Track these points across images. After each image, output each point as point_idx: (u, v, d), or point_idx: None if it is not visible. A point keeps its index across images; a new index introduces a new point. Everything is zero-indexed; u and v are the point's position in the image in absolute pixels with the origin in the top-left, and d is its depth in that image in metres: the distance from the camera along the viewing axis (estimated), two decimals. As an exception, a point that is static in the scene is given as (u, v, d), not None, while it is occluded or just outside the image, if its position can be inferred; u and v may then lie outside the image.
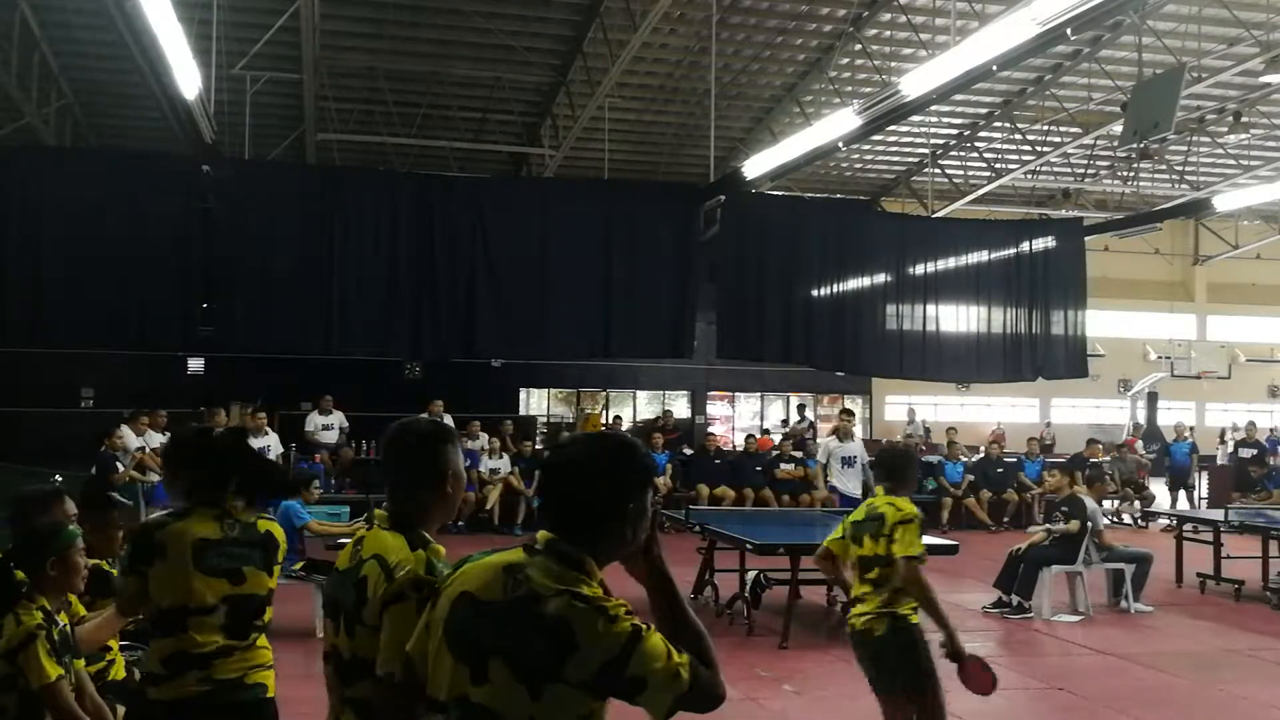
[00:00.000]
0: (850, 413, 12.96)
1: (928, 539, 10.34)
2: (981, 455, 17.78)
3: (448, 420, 15.69)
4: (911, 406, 25.60)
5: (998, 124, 20.29)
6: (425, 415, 11.75)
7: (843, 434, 12.04)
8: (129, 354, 16.63)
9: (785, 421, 23.65)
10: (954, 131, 21.13)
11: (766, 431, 22.51)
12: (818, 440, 18.41)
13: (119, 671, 4.40)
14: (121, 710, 3.96)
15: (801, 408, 23.00)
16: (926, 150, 21.25)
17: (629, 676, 2.06)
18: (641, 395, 25.62)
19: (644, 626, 2.12)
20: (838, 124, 12.97)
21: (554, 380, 24.22)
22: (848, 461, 11.63)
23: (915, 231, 18.08)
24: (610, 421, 20.86)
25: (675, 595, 2.30)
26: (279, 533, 3.48)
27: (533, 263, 14.95)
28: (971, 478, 16.66)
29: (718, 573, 9.69)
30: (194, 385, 18.61)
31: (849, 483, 11.64)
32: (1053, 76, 18.17)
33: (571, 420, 23.52)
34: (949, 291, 17.47)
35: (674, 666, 2.10)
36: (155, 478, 11.90)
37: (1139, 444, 19.62)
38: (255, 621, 3.39)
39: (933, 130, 20.58)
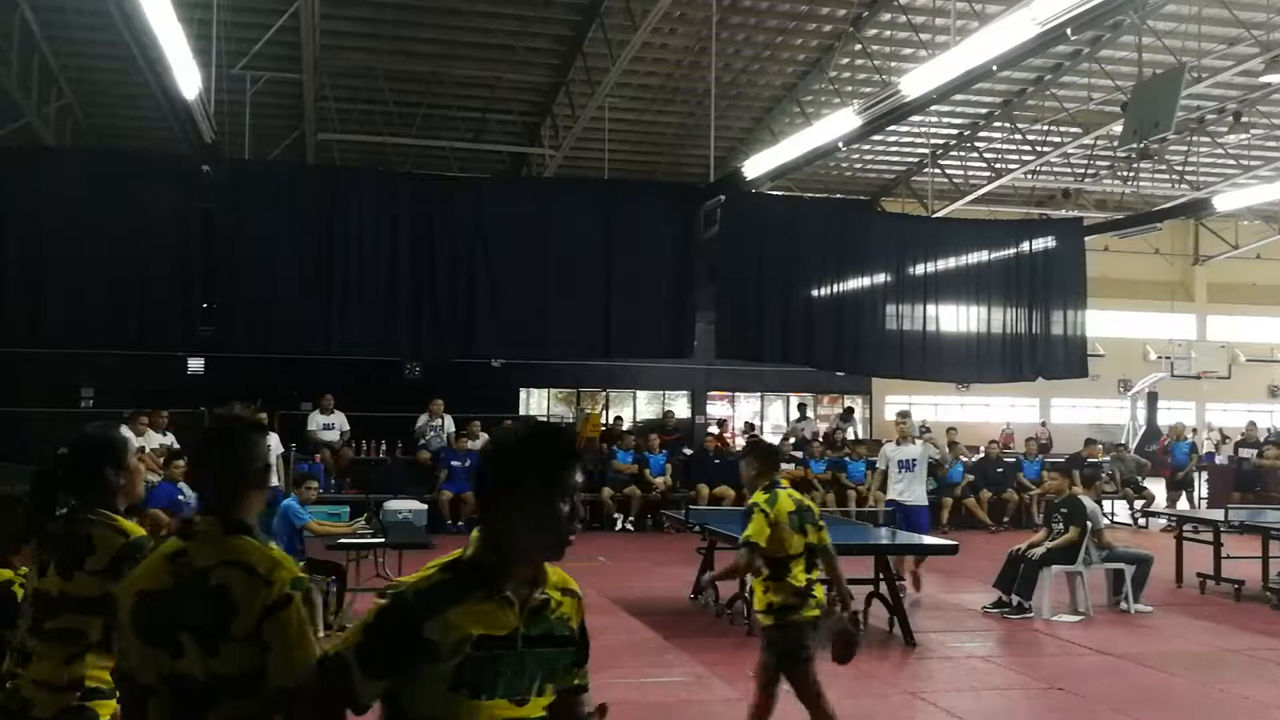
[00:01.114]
0: (907, 414, 12.17)
1: (929, 539, 10.38)
2: (981, 455, 17.77)
3: (448, 421, 15.76)
4: (908, 409, 25.59)
5: (998, 124, 20.30)
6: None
7: (901, 437, 11.39)
8: (129, 354, 16.62)
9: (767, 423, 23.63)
10: (954, 131, 21.14)
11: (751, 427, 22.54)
12: (818, 439, 18.42)
13: None
14: None
15: (802, 407, 22.97)
16: (926, 150, 21.26)
17: (264, 638, 2.29)
18: (641, 395, 25.61)
19: (294, 595, 2.32)
20: (838, 124, 12.97)
21: (554, 380, 24.21)
22: (905, 465, 10.85)
23: (915, 231, 18.08)
24: (611, 421, 20.84)
25: None
26: (102, 539, 3.31)
27: (533, 263, 14.95)
28: (971, 478, 16.65)
29: (718, 573, 9.69)
30: (194, 385, 18.60)
31: (906, 488, 10.83)
32: (1053, 76, 18.18)
33: (572, 420, 23.52)
34: (949, 291, 17.46)
35: (308, 649, 2.29)
36: (155, 478, 11.88)
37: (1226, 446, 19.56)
38: (43, 622, 3.29)
39: (933, 130, 20.58)
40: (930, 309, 17.29)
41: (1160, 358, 26.13)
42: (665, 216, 15.63)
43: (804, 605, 5.00)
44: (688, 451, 17.81)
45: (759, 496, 5.12)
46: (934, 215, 21.47)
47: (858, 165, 23.20)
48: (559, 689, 2.23)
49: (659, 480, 15.84)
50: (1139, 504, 17.18)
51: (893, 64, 15.84)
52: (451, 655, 2.05)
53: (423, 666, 2.05)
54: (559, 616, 2.22)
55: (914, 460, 10.87)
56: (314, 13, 13.72)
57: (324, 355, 15.77)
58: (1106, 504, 15.39)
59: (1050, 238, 18.20)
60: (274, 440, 12.96)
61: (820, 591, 5.09)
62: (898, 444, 11.15)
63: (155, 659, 2.35)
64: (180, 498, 10.30)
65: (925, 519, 10.69)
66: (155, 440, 13.04)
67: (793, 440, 18.62)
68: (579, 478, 2.18)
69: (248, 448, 2.55)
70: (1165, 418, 24.05)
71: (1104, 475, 14.47)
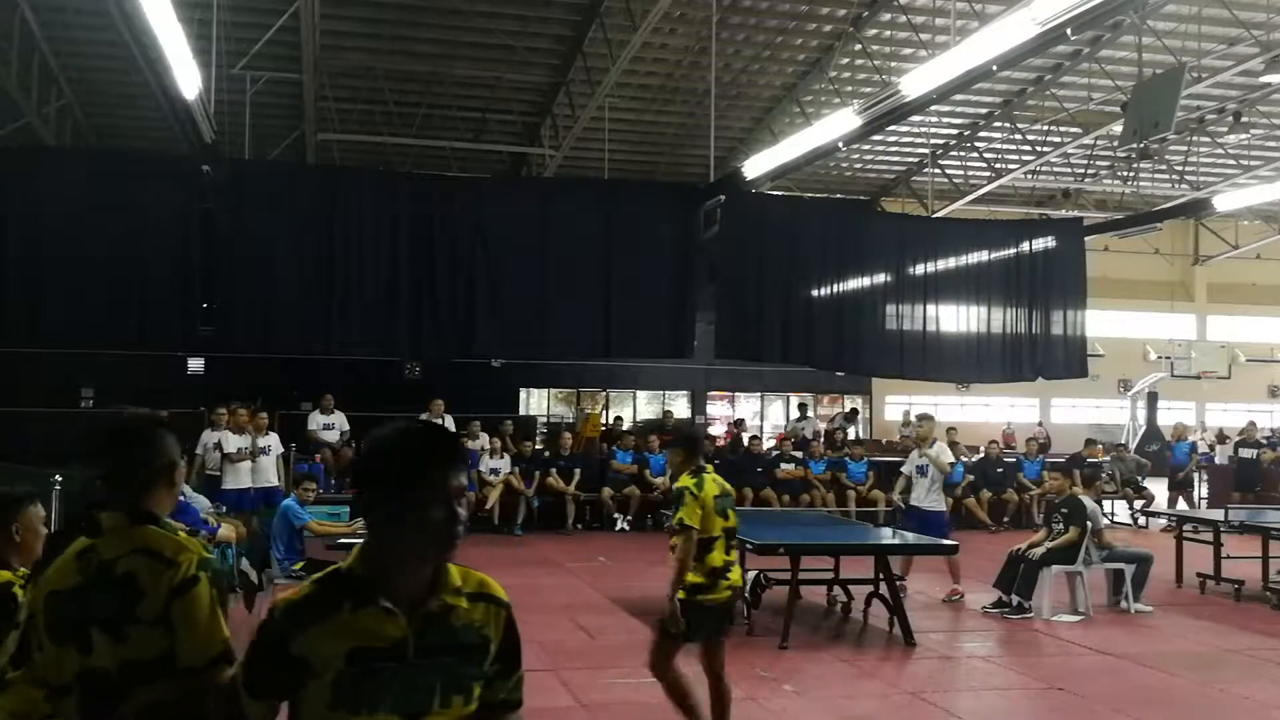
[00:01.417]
0: (925, 417, 11.63)
1: (929, 539, 10.33)
2: (981, 455, 17.77)
3: (448, 421, 15.74)
4: (908, 409, 25.60)
5: (998, 124, 20.31)
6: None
7: (920, 441, 10.82)
8: (129, 354, 16.64)
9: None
10: (954, 131, 21.14)
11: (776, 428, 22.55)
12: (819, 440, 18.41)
13: None
14: None
15: (803, 407, 22.92)
16: (926, 150, 21.27)
17: (171, 619, 2.32)
18: (641, 395, 25.63)
19: (201, 576, 2.36)
20: (838, 124, 12.96)
21: (554, 380, 24.25)
22: (921, 470, 10.62)
23: (915, 231, 18.08)
24: (611, 421, 20.85)
25: None
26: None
27: (533, 263, 14.95)
28: (971, 478, 16.64)
29: (718, 573, 9.66)
30: (194, 385, 18.61)
31: (922, 493, 10.56)
32: (1053, 76, 18.18)
33: (572, 420, 23.53)
34: (949, 291, 17.46)
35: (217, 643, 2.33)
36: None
37: (1199, 442, 19.60)
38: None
39: (933, 130, 20.59)
40: (930, 309, 17.28)
41: (1160, 358, 26.14)
42: (665, 216, 15.62)
43: (715, 587, 5.30)
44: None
45: (687, 480, 5.37)
46: (934, 215, 21.48)
47: (858, 165, 23.21)
48: (486, 702, 2.10)
49: (659, 480, 15.83)
50: (1139, 504, 17.17)
51: (893, 64, 15.85)
52: (325, 671, 1.95)
53: (302, 685, 1.97)
54: (466, 624, 2.06)
55: (927, 465, 10.64)
56: (314, 13, 13.72)
57: (324, 355, 15.76)
58: (1106, 504, 15.38)
59: (1050, 238, 18.20)
60: (274, 440, 12.99)
61: (736, 573, 5.45)
62: (919, 450, 10.93)
63: (66, 658, 2.35)
64: (180, 498, 10.27)
65: (940, 524, 10.55)
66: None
67: (792, 441, 18.59)
68: (460, 480, 2.02)
69: (153, 444, 2.54)
70: (1165, 418, 24.05)
71: (1104, 475, 14.45)
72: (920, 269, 17.30)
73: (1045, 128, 19.96)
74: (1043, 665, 8.04)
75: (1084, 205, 23.64)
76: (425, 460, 2.01)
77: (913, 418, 24.77)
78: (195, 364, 19.38)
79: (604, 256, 15.20)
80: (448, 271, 14.72)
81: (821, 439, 18.36)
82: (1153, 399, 25.41)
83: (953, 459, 11.14)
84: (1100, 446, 18.14)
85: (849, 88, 17.55)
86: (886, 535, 9.93)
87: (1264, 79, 16.67)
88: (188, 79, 10.52)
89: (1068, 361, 17.95)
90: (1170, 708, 6.96)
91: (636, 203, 15.90)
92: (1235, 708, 6.92)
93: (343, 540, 8.84)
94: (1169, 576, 11.16)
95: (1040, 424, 26.95)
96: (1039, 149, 20.53)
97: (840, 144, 13.73)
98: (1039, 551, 9.61)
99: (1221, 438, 22.80)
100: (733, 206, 15.90)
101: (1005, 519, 16.50)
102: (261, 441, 12.76)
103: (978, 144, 21.38)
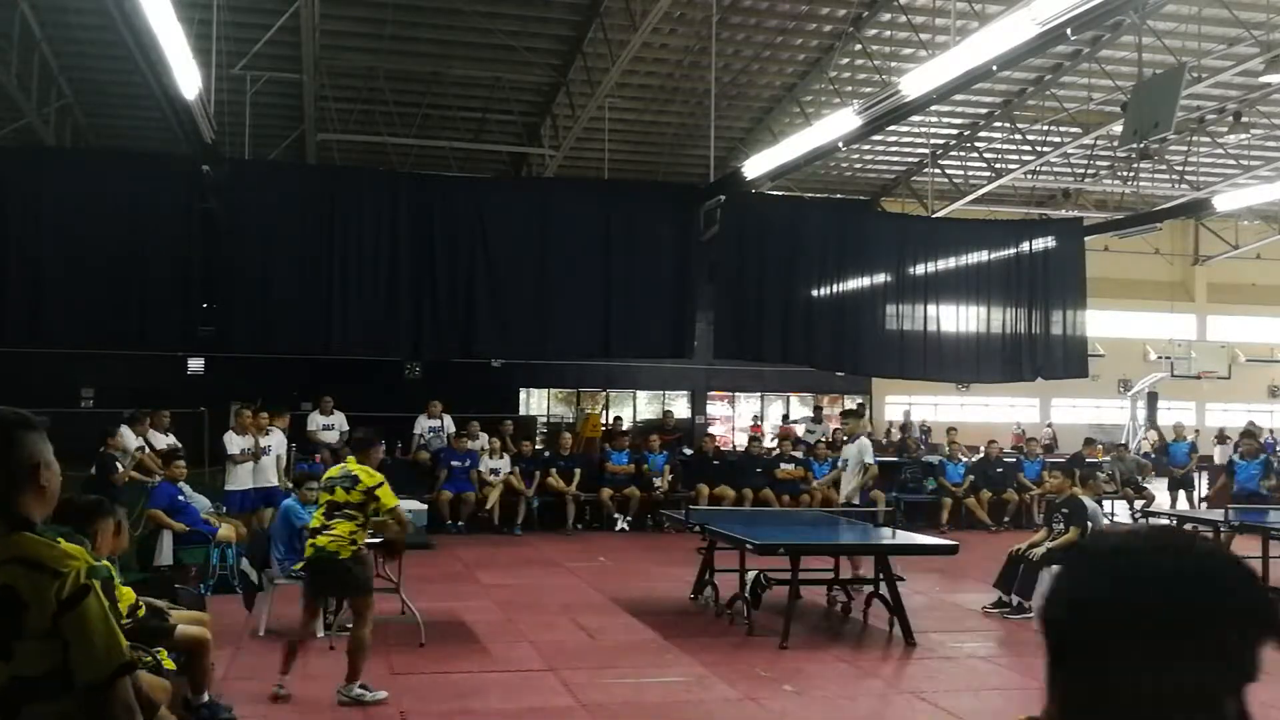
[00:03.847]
0: (848, 412, 12.28)
1: (929, 539, 10.38)
2: (981, 455, 17.77)
3: (448, 421, 15.75)
4: (907, 410, 25.60)
5: (998, 124, 20.30)
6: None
7: (845, 435, 11.63)
8: (129, 354, 16.63)
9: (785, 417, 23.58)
10: (954, 131, 21.14)
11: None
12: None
13: None
14: None
15: (817, 409, 22.72)
16: (926, 150, 21.26)
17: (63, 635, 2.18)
18: (641, 395, 25.64)
19: (93, 584, 2.22)
20: (838, 124, 12.96)
21: (554, 380, 24.25)
22: (844, 465, 11.29)
23: (915, 231, 18.07)
24: (611, 422, 20.83)
25: None
26: None
27: (533, 263, 14.94)
28: (972, 478, 16.65)
29: (718, 573, 9.69)
30: (194, 385, 18.62)
31: (845, 488, 11.24)
32: (1053, 76, 18.18)
33: (572, 420, 23.53)
34: (949, 291, 17.45)
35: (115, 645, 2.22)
36: (156, 478, 11.92)
37: (1225, 446, 19.59)
38: None
39: (933, 130, 20.58)
40: (930, 309, 17.27)
41: (1160, 358, 26.15)
42: (665, 216, 15.61)
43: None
44: (688, 451, 17.79)
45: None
46: (934, 215, 21.47)
47: (858, 165, 23.21)
48: None
49: (659, 480, 15.82)
50: (1139, 504, 17.18)
51: (893, 64, 15.84)
52: None
53: None
54: None
55: (846, 460, 11.24)
56: (314, 13, 13.71)
57: (324, 355, 15.76)
58: (1106, 504, 15.38)
59: (1050, 238, 18.19)
60: (277, 439, 13.00)
61: (323, 538, 6.66)
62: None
63: None
64: (180, 498, 10.29)
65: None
66: (160, 441, 13.02)
67: (791, 442, 18.53)
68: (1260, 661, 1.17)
69: (13, 445, 2.35)
70: (1165, 418, 24.05)
71: (1103, 475, 14.46)
72: (920, 269, 17.29)
73: (1045, 128, 19.95)
74: (1043, 665, 8.03)
75: (1084, 205, 23.64)
76: (1235, 613, 1.16)
77: (914, 418, 24.88)
78: (195, 364, 19.39)
79: (604, 256, 15.19)
80: (448, 271, 14.71)
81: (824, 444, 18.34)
82: (1153, 399, 25.43)
83: (871, 458, 11.41)
84: (1100, 446, 18.15)
85: (849, 88, 17.54)
86: (886, 535, 9.95)
87: (1264, 79, 16.66)
88: (188, 79, 10.51)
89: (1068, 361, 17.94)
90: (1170, 708, 6.95)
91: (636, 203, 15.90)
92: (1235, 708, 6.92)
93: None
94: (1169, 576, 11.14)
95: (1049, 425, 26.95)
96: (1039, 149, 20.52)
97: (840, 144, 13.71)
98: (1039, 551, 9.61)
99: (1221, 438, 22.83)
100: (733, 206, 15.90)
101: (1005, 519, 16.50)
102: (263, 441, 12.78)
103: (978, 144, 21.38)
